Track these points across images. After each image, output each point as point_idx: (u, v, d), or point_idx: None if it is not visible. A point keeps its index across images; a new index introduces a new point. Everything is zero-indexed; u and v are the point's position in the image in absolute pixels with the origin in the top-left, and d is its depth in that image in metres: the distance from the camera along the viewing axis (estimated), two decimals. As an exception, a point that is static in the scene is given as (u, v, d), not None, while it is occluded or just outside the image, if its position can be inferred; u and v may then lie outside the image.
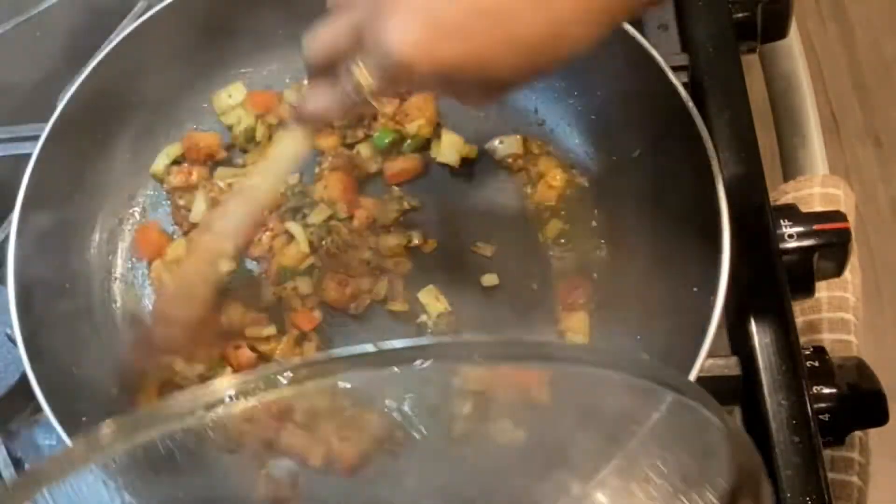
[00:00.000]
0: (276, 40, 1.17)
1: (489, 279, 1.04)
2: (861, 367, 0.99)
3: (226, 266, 0.93)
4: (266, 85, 1.16)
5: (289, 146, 0.88)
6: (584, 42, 0.72)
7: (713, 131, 1.00)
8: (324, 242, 1.05)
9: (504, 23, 0.69)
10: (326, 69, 0.78)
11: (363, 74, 0.75)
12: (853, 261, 1.08)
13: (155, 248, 1.08)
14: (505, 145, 1.11)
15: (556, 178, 1.09)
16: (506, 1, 0.69)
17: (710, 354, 0.87)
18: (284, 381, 0.56)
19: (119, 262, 1.09)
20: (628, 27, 1.02)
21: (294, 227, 1.05)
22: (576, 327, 1.01)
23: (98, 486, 0.64)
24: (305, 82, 0.85)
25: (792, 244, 1.02)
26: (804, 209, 1.07)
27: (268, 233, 1.06)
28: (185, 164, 1.11)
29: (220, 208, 0.96)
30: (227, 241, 0.92)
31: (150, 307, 1.06)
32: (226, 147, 1.13)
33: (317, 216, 1.05)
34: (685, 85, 1.02)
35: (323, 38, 0.78)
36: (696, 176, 0.96)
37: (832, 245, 1.03)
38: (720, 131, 1.03)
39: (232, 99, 1.14)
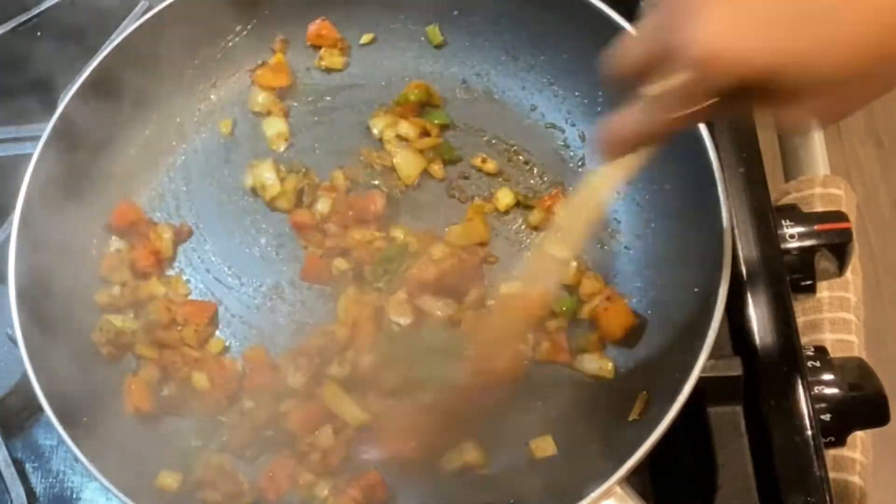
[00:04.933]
0: (276, 41, 1.17)
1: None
2: (862, 367, 0.99)
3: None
4: (267, 85, 1.16)
5: (600, 184, 0.80)
6: None
7: (714, 131, 1.00)
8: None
9: (827, 18, 0.61)
10: (629, 86, 0.71)
11: (669, 81, 0.67)
12: (854, 261, 1.08)
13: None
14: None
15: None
16: None
17: (712, 355, 0.87)
18: None
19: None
20: (629, 28, 1.01)
21: None
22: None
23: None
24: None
25: (793, 244, 1.02)
26: (805, 209, 1.08)
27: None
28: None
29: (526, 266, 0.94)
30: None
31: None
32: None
33: None
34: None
35: (626, 47, 0.72)
36: (697, 176, 0.95)
37: (833, 245, 1.03)
38: (721, 131, 1.03)
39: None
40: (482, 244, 1.05)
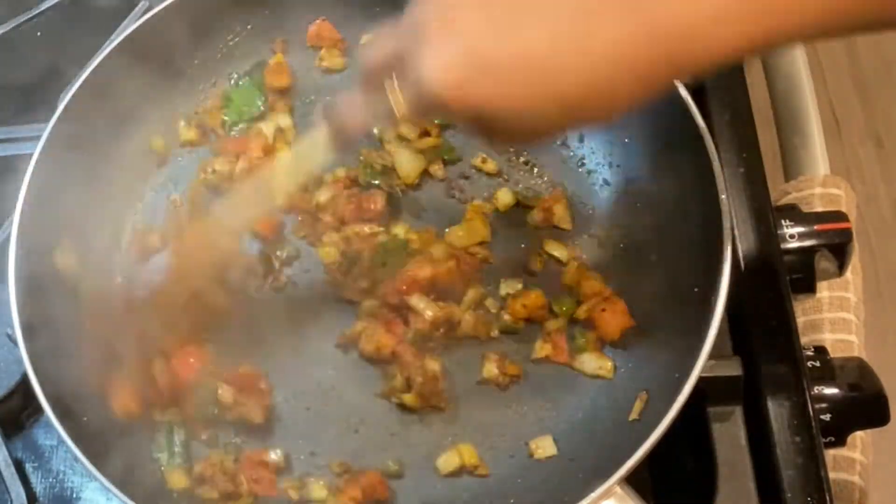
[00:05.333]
0: (276, 42, 1.17)
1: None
2: (862, 367, 0.99)
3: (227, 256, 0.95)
4: (267, 85, 1.16)
5: (312, 149, 0.86)
6: (627, 103, 0.70)
7: (714, 131, 1.00)
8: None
9: (547, 75, 0.67)
10: (373, 80, 0.77)
11: (397, 98, 0.74)
12: (854, 261, 1.08)
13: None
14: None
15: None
16: (552, 54, 0.66)
17: (712, 355, 0.87)
18: None
19: (120, 261, 1.09)
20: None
21: None
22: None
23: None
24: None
25: (793, 244, 1.02)
26: (805, 209, 1.08)
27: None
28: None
29: (229, 197, 0.96)
30: (230, 232, 0.93)
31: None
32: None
33: None
34: (686, 84, 1.02)
35: (371, 51, 0.77)
36: (696, 176, 0.95)
37: (833, 245, 1.03)
38: (721, 131, 1.03)
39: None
40: (482, 244, 1.05)
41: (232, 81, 1.16)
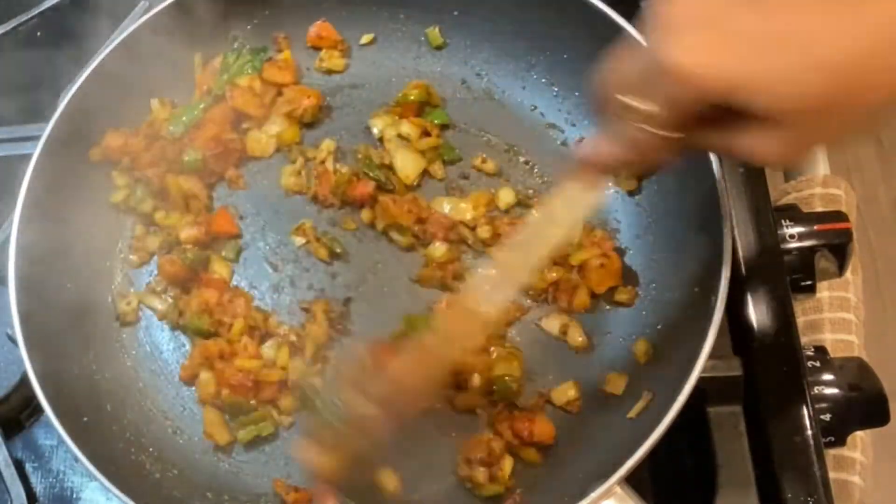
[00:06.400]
0: (279, 38, 1.17)
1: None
2: (862, 367, 0.99)
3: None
4: (271, 81, 1.16)
5: (577, 198, 0.81)
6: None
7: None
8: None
9: (801, 43, 0.62)
10: (611, 107, 0.72)
11: (645, 101, 0.69)
12: (854, 261, 1.08)
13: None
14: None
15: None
16: (804, 20, 0.62)
17: (712, 355, 0.87)
18: None
19: (119, 262, 1.09)
20: (629, 28, 1.01)
21: None
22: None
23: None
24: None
25: (793, 244, 1.02)
26: (805, 209, 1.08)
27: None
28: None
29: (494, 265, 0.90)
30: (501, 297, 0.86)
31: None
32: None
33: None
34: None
35: (613, 63, 0.72)
36: (697, 176, 0.95)
37: (833, 245, 1.03)
38: (721, 131, 1.03)
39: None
40: None
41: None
